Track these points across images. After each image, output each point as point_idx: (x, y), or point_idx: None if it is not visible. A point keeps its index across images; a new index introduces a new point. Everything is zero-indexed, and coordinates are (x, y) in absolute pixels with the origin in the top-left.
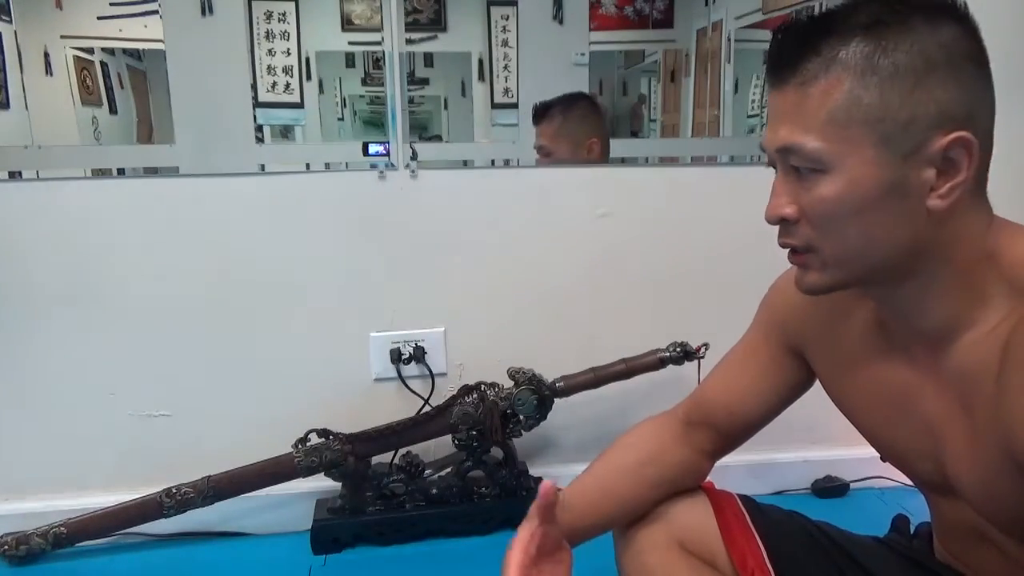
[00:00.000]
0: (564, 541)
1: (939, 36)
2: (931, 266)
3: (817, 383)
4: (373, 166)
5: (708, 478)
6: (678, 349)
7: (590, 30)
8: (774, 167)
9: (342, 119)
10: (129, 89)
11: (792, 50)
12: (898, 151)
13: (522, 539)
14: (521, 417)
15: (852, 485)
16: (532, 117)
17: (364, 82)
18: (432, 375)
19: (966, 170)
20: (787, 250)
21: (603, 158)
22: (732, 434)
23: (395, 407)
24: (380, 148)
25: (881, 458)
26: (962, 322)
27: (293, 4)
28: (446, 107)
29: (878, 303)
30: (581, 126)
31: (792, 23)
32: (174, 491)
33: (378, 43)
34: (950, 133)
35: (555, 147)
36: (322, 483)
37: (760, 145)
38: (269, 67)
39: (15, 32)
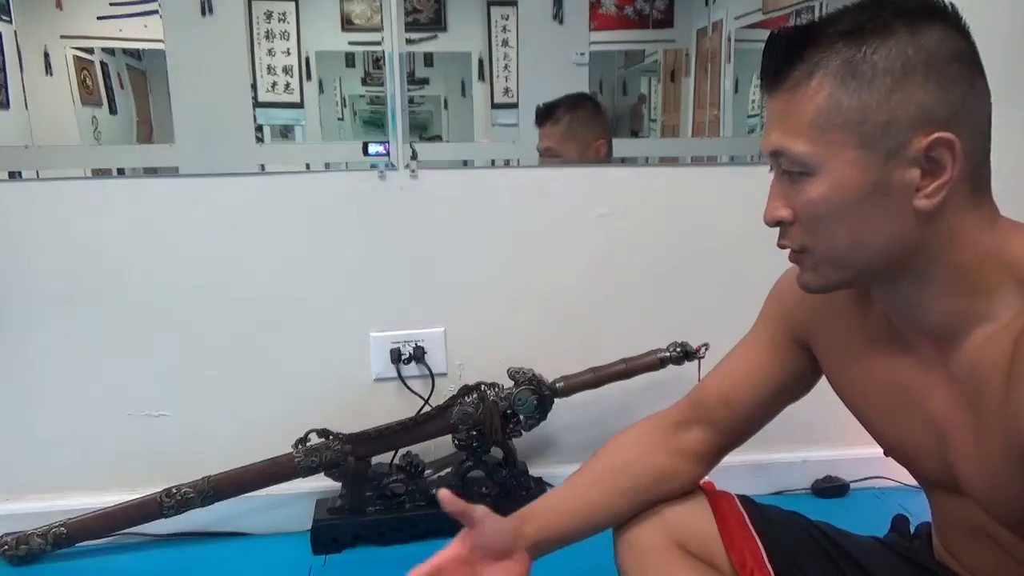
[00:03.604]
0: (521, 551)
1: (921, 39)
2: (924, 265)
3: (821, 381)
4: (373, 166)
5: (709, 478)
6: (678, 349)
7: (590, 30)
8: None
9: (342, 119)
10: (129, 89)
11: (780, 58)
12: (880, 152)
13: (453, 543)
14: (521, 417)
15: (852, 485)
16: (535, 118)
17: (364, 82)
18: (432, 375)
19: (951, 170)
20: (787, 251)
21: (607, 158)
22: (728, 430)
23: (395, 407)
24: (380, 148)
25: (884, 453)
26: (968, 320)
27: (293, 4)
28: (446, 107)
29: (881, 300)
30: (587, 127)
31: (780, 33)
32: (174, 491)
33: (378, 43)
34: (931, 134)
35: (563, 149)
36: (322, 483)
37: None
38: (269, 67)
39: (15, 32)
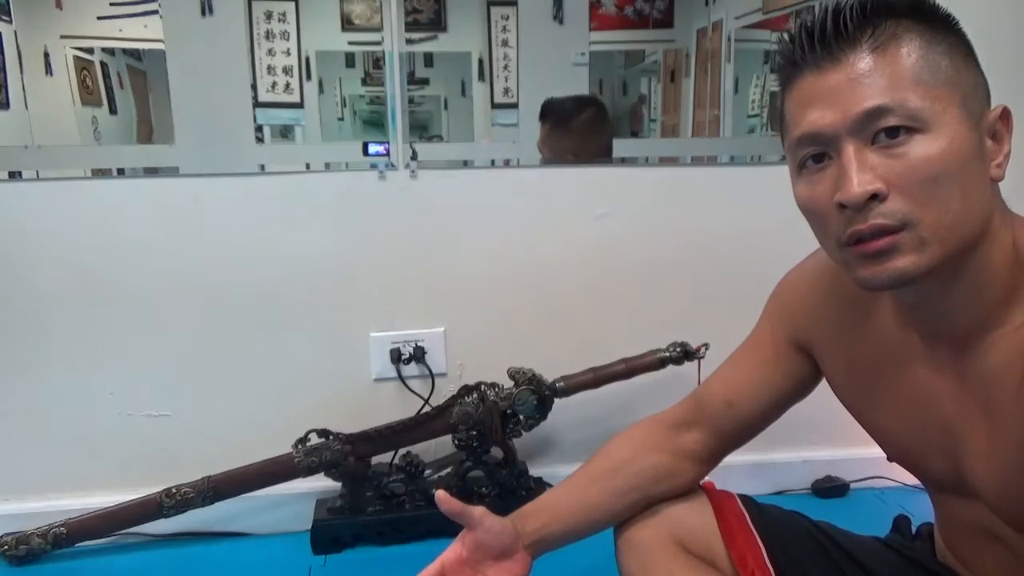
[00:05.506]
0: (521, 550)
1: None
2: (986, 249)
3: (822, 383)
4: (373, 166)
5: (709, 478)
6: (678, 349)
7: (590, 30)
8: (815, 158)
9: (342, 119)
10: (129, 89)
11: (855, 22)
12: (974, 115)
13: (453, 544)
14: (521, 417)
15: (852, 485)
16: (540, 114)
17: (364, 82)
18: (432, 375)
19: (1008, 143)
20: (854, 241)
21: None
22: (729, 432)
23: (395, 407)
24: (380, 148)
25: (888, 458)
26: (993, 320)
27: (293, 4)
28: (446, 107)
29: (903, 305)
30: (589, 131)
31: (840, 4)
32: (174, 491)
33: (378, 43)
34: (996, 107)
35: (560, 151)
36: (322, 483)
37: (803, 135)
38: (269, 67)
39: (15, 32)
